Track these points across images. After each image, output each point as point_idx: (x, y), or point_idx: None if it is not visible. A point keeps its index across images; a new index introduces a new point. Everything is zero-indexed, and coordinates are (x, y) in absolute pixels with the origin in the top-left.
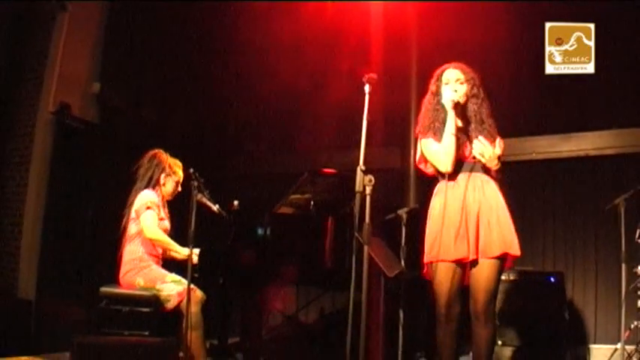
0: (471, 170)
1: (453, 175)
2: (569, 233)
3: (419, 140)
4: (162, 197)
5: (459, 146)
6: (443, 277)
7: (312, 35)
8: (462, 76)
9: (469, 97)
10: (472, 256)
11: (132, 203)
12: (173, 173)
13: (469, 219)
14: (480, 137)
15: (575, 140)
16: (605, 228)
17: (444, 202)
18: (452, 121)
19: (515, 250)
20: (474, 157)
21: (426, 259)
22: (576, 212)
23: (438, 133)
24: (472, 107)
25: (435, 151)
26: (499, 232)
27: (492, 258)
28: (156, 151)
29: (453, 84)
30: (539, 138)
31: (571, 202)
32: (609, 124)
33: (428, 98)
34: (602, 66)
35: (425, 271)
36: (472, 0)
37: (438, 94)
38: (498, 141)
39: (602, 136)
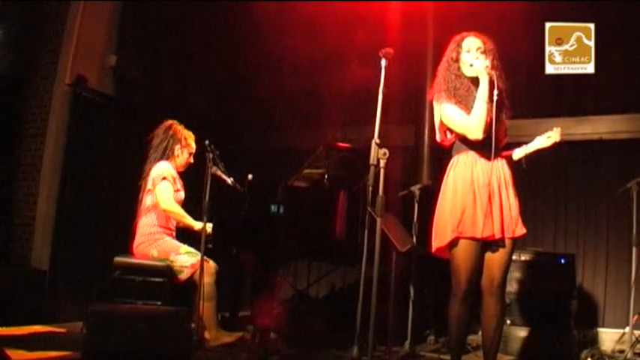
0: (495, 146)
1: (480, 149)
2: (582, 216)
3: (438, 105)
4: (176, 169)
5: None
6: (468, 254)
7: (329, 10)
8: (482, 46)
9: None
10: (498, 235)
11: (148, 174)
12: (187, 145)
13: (493, 196)
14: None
15: (590, 123)
16: (617, 211)
17: (471, 175)
18: (485, 88)
19: (524, 230)
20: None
21: (450, 235)
22: (589, 195)
23: (463, 100)
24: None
25: (462, 118)
26: (516, 212)
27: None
28: (171, 122)
29: (474, 52)
30: (554, 120)
31: (584, 185)
32: (625, 109)
33: (447, 64)
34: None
35: (437, 248)
36: (474, 0)
37: (458, 60)
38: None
39: (617, 120)
